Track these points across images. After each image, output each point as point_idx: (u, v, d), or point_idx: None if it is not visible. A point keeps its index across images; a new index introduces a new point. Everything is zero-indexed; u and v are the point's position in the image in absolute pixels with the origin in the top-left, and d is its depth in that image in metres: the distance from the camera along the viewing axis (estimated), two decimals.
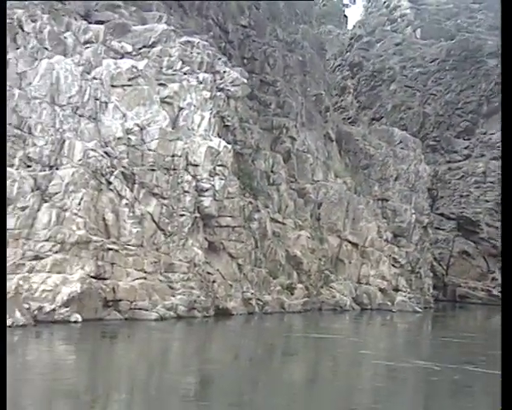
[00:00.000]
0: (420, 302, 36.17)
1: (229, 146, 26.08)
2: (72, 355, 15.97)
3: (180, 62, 26.54)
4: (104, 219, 22.16)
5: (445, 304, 43.87)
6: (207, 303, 24.12)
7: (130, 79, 24.24)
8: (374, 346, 21.69)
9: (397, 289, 35.44)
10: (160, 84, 25.49)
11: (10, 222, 19.98)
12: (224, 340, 20.98)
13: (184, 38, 27.48)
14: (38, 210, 20.76)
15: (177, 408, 10.91)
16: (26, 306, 18.57)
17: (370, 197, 37.57)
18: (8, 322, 17.51)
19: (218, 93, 27.37)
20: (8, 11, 22.21)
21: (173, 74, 26.17)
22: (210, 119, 26.02)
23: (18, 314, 17.88)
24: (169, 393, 11.58)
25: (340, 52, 60.92)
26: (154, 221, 23.39)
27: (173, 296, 22.96)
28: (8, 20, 22.24)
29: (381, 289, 34.58)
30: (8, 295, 18.01)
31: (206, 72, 27.22)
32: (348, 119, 54.24)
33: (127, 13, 27.96)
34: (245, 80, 29.03)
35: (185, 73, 26.53)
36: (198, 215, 24.77)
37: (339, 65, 59.94)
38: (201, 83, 26.65)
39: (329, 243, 33.76)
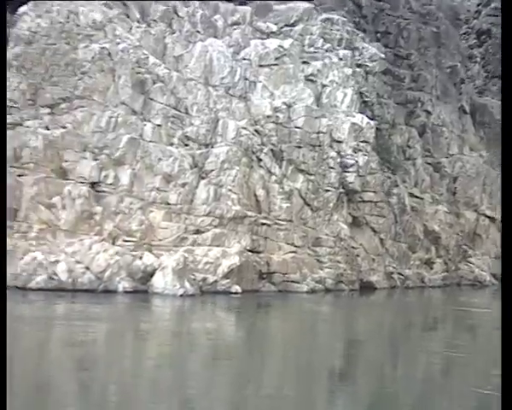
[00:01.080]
0: None
1: (372, 122, 26.33)
2: (242, 322, 17.03)
3: (321, 40, 26.99)
4: (255, 195, 23.11)
5: None
6: (353, 277, 24.67)
7: (276, 59, 24.96)
8: None
9: None
10: (304, 63, 26.05)
11: (172, 198, 21.35)
12: (373, 314, 21.41)
13: (324, 16, 27.90)
14: (196, 187, 21.97)
15: (323, 384, 11.15)
16: (192, 277, 19.84)
17: None
18: (180, 291, 18.94)
19: (358, 69, 27.63)
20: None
21: (315, 52, 26.67)
22: (352, 95, 26.34)
23: (187, 285, 19.19)
24: (319, 368, 12.07)
25: (465, 19, 58.90)
26: (301, 197, 24.10)
27: (321, 270, 23.68)
28: (164, 7, 23.54)
29: None
30: (177, 267, 19.36)
31: (345, 48, 27.57)
32: (475, 89, 52.61)
33: None
34: (382, 55, 29.18)
35: (326, 51, 26.96)
36: (342, 191, 25.24)
37: (464, 33, 57.96)
38: (342, 60, 27.03)
39: (466, 217, 33.23)
